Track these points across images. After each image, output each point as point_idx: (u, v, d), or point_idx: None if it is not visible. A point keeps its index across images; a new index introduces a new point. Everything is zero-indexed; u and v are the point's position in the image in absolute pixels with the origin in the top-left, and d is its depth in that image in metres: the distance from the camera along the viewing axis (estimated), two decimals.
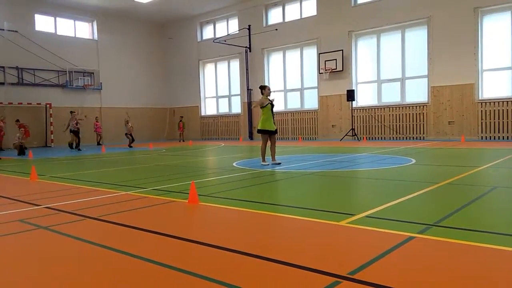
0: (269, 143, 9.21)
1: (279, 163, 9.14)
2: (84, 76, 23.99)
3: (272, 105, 9.20)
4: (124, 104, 25.61)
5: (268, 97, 9.22)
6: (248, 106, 23.66)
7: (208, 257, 3.10)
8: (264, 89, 9.27)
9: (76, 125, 18.25)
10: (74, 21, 24.24)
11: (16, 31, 21.27)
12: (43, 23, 22.90)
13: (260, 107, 9.11)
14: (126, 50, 26.15)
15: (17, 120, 19.40)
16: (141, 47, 26.97)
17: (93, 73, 24.49)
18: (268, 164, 9.02)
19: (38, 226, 4.24)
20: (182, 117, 25.83)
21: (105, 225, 4.23)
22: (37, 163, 11.81)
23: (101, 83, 24.68)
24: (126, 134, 20.26)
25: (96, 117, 23.49)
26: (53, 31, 23.29)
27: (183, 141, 24.65)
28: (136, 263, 3.01)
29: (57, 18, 23.50)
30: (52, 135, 22.59)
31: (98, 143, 22.65)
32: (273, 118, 9.20)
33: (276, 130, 9.32)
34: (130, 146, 19.62)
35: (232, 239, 3.56)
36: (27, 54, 21.57)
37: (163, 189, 6.37)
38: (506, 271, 2.66)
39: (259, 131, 9.18)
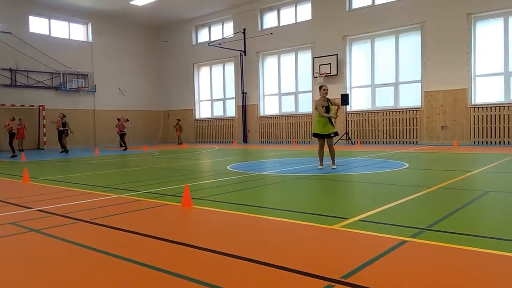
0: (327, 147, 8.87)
1: (334, 168, 8.68)
2: (78, 78, 23.86)
3: (327, 108, 8.64)
4: (118, 106, 25.51)
5: (327, 97, 8.74)
6: (243, 109, 23.68)
7: (202, 261, 3.09)
8: (319, 89, 8.87)
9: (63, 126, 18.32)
10: (69, 23, 24.14)
11: (10, 33, 21.13)
12: (37, 24, 22.78)
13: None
14: (121, 52, 26.07)
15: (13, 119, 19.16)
16: (136, 49, 26.90)
17: (87, 75, 24.38)
18: (322, 168, 8.70)
19: (30, 229, 4.20)
20: (179, 120, 25.41)
21: (98, 228, 4.20)
22: (29, 166, 11.72)
23: (95, 85, 24.58)
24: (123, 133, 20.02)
25: (118, 118, 21.31)
26: (47, 33, 23.17)
27: (181, 143, 24.36)
28: (128, 267, 2.99)
29: (52, 20, 23.39)
30: (45, 137, 22.43)
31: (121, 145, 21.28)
32: (329, 120, 8.68)
33: (330, 134, 8.73)
34: (125, 149, 19.48)
35: (226, 243, 3.55)
36: (21, 56, 21.44)
37: (156, 192, 6.34)
38: (498, 274, 2.68)
39: (313, 134, 8.99)
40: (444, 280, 2.58)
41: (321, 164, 8.94)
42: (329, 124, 8.73)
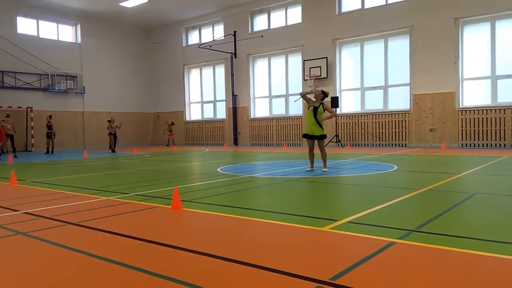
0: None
1: (326, 171, 8.60)
2: (66, 80, 23.65)
3: (315, 109, 8.70)
4: (107, 108, 25.31)
5: (321, 100, 8.76)
6: (233, 111, 23.68)
7: (190, 263, 3.09)
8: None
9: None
10: (57, 24, 23.92)
11: None
12: (25, 25, 22.53)
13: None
14: (110, 54, 25.90)
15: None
16: (125, 51, 26.74)
17: (76, 77, 24.17)
18: (308, 171, 8.70)
19: (17, 232, 4.15)
20: (173, 124, 24.85)
21: (86, 231, 4.16)
22: (16, 168, 11.57)
23: (84, 87, 24.38)
24: (110, 133, 19.86)
25: (109, 120, 20.39)
26: (35, 34, 22.93)
27: (168, 145, 24.30)
28: (116, 269, 2.97)
29: (40, 21, 23.15)
30: (32, 139, 22.18)
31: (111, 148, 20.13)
32: (317, 122, 8.69)
33: (314, 136, 8.81)
34: (113, 151, 19.36)
35: (215, 245, 3.55)
36: (9, 57, 21.18)
37: (145, 194, 6.31)
38: (485, 275, 2.71)
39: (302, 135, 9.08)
40: (432, 281, 2.61)
41: (311, 166, 8.96)
42: (316, 125, 8.76)
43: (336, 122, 19.50)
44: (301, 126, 21.21)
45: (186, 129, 26.67)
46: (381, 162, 10.98)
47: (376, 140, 18.98)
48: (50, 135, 19.38)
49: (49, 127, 19.38)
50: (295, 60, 21.60)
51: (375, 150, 15.95)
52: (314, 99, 8.94)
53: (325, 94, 8.92)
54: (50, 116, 19.85)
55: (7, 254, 3.49)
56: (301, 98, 9.35)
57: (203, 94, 26.22)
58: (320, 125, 8.77)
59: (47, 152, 19.19)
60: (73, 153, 19.10)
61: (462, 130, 16.80)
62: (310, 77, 20.14)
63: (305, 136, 9.01)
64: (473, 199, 5.43)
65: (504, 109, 15.89)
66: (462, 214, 4.71)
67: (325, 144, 9.29)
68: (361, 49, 19.52)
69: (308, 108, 8.90)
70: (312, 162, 9.00)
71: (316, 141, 8.92)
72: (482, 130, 16.39)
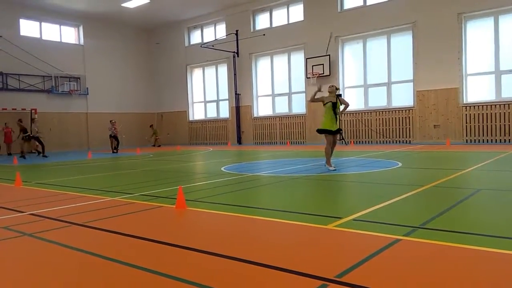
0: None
1: (333, 169, 8.59)
2: (70, 81, 23.74)
3: (334, 104, 8.75)
4: (111, 109, 25.39)
5: (335, 94, 8.85)
6: (236, 110, 23.68)
7: (195, 262, 3.09)
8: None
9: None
10: (60, 26, 24.00)
11: (0, 36, 20.97)
12: (28, 28, 22.62)
13: (323, 104, 8.85)
14: (113, 55, 25.97)
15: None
16: (128, 52, 26.81)
17: (79, 78, 24.25)
18: (334, 169, 8.56)
19: (23, 233, 4.17)
20: (151, 125, 26.48)
21: (91, 232, 4.18)
22: (21, 169, 11.63)
23: (87, 88, 24.46)
24: (111, 136, 19.88)
25: (111, 120, 20.46)
26: (38, 36, 23.02)
27: (158, 146, 25.10)
28: (123, 270, 2.98)
29: (42, 23, 23.23)
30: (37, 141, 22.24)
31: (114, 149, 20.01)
32: (336, 118, 8.80)
33: (335, 130, 8.83)
34: (113, 152, 19.38)
35: (220, 244, 3.55)
36: (12, 59, 21.28)
37: (150, 194, 6.32)
38: (490, 271, 2.70)
39: (318, 130, 8.99)
40: (438, 278, 2.60)
41: (330, 163, 8.77)
42: (335, 121, 8.84)
43: (339, 120, 19.43)
44: (305, 124, 21.20)
45: (189, 128, 26.70)
46: (385, 159, 10.96)
47: (380, 137, 18.92)
48: (26, 139, 18.18)
49: (25, 130, 18.19)
50: (298, 58, 21.57)
51: (379, 147, 15.91)
52: (328, 94, 8.95)
53: (337, 88, 9.11)
54: (20, 120, 18.76)
55: (13, 255, 3.51)
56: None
57: (206, 94, 26.24)
58: (337, 120, 8.90)
59: (22, 156, 17.52)
60: (78, 154, 19.17)
61: (466, 126, 16.72)
62: (313, 74, 20.10)
63: (327, 132, 8.79)
64: (478, 195, 5.40)
65: (509, 104, 15.79)
66: (467, 210, 4.69)
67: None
68: (364, 46, 19.46)
69: (325, 104, 8.80)
70: (330, 159, 8.86)
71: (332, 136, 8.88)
72: (486, 125, 16.30)
